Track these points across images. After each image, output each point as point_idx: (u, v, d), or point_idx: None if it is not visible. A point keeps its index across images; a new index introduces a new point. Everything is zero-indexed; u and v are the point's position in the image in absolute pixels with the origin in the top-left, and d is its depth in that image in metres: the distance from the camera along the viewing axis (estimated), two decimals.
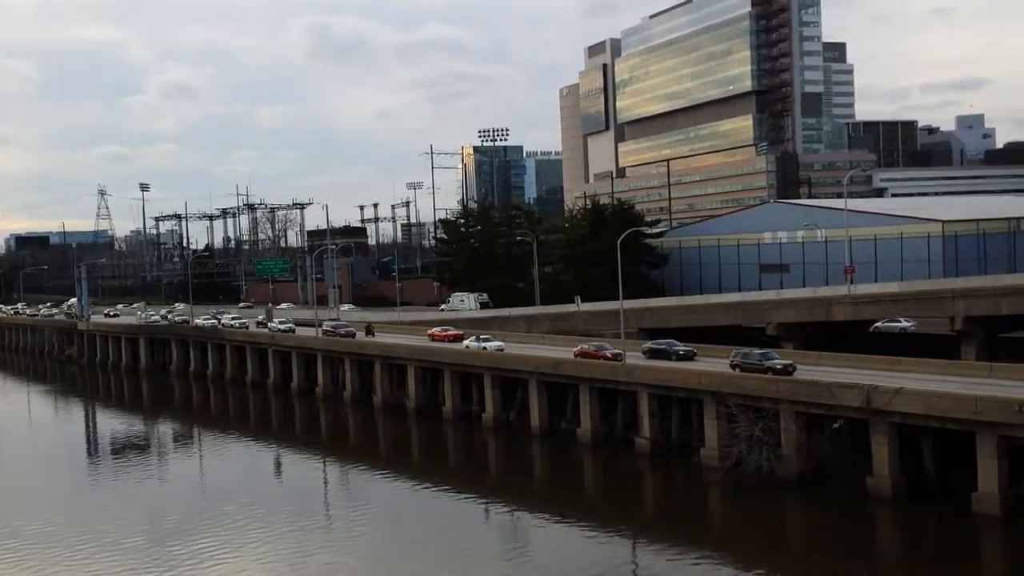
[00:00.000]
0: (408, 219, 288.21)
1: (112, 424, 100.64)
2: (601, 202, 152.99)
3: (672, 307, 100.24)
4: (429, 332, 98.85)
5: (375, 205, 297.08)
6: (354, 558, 50.39)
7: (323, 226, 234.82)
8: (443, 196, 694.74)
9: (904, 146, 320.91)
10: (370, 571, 48.93)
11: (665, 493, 63.06)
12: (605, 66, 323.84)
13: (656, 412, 67.73)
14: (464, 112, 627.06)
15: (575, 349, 76.93)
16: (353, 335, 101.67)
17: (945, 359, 68.17)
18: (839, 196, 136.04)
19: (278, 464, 77.77)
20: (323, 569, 48.13)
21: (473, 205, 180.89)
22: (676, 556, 47.90)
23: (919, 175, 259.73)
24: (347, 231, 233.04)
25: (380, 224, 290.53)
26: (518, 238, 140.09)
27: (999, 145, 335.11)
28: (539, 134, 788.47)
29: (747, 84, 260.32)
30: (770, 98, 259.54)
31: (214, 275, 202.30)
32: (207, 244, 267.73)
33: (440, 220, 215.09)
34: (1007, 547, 48.07)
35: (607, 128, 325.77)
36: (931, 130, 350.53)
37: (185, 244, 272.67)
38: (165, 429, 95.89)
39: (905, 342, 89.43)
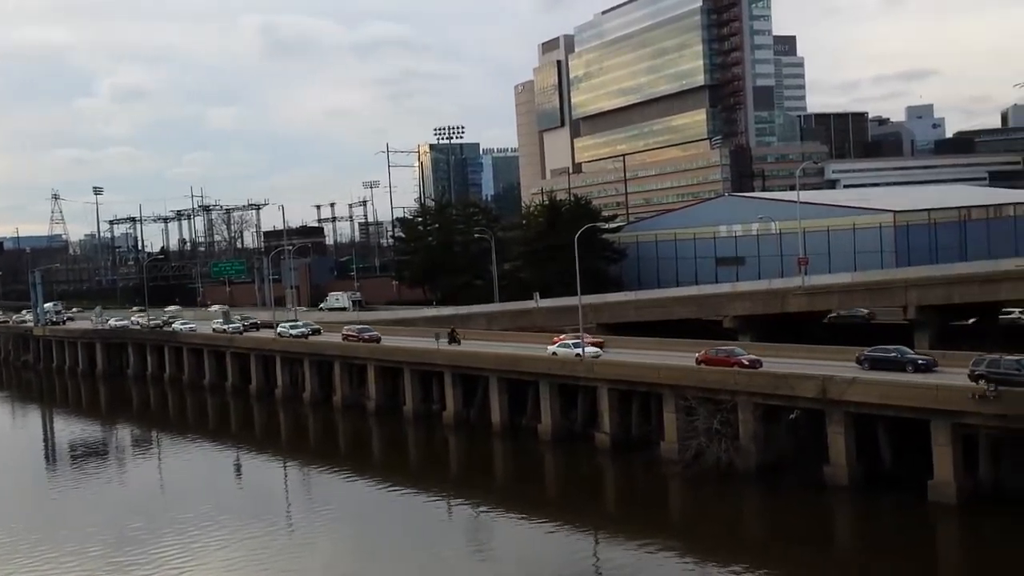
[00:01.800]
0: (366, 218, 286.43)
1: (70, 430, 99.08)
2: (558, 198, 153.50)
3: (630, 302, 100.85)
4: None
5: (332, 205, 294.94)
6: (317, 561, 50.14)
7: (279, 227, 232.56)
8: (400, 195, 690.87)
9: (855, 137, 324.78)
10: (333, 574, 48.71)
11: (626, 487, 63.47)
12: (559, 62, 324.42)
13: (616, 407, 68.15)
14: (420, 110, 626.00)
15: (698, 355, 66.91)
16: (378, 340, 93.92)
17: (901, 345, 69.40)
18: (792, 188, 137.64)
19: (238, 467, 77.11)
20: (286, 574, 47.87)
21: (430, 203, 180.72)
22: (638, 549, 48.23)
23: (870, 166, 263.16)
24: (304, 231, 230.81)
25: (337, 224, 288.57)
26: (476, 235, 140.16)
27: (948, 135, 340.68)
28: (495, 131, 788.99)
29: (700, 78, 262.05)
30: (723, 92, 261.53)
31: (170, 278, 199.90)
32: (162, 247, 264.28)
33: (398, 219, 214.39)
34: (963, 534, 48.95)
35: (563, 124, 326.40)
36: (881, 121, 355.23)
37: (140, 247, 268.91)
38: (123, 434, 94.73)
39: (860, 332, 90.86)
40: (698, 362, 65.56)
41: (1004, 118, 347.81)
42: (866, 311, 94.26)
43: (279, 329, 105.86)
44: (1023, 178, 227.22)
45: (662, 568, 45.92)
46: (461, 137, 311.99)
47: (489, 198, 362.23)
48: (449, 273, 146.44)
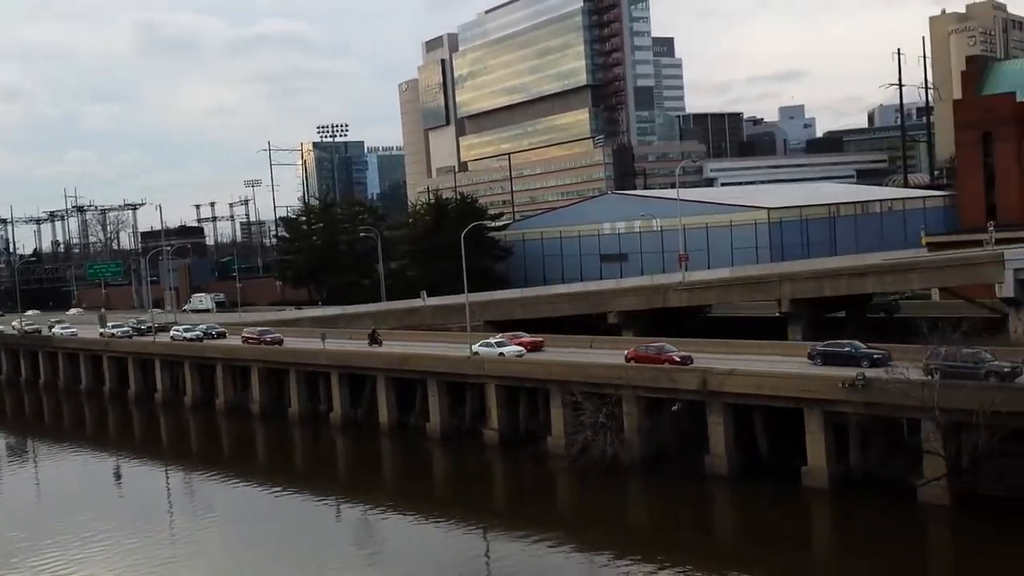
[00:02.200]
0: (248, 218, 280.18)
1: None
2: (444, 197, 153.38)
3: (517, 299, 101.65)
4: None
5: (212, 204, 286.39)
6: (202, 570, 49.09)
7: (158, 227, 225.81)
8: (283, 194, 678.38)
9: (731, 137, 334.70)
10: None
11: (514, 482, 64.11)
12: (443, 61, 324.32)
13: (504, 404, 68.74)
14: (304, 108, 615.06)
15: (628, 352, 65.08)
16: (281, 342, 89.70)
17: (774, 340, 72.13)
18: (672, 186, 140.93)
19: (118, 474, 74.80)
20: None
21: (315, 202, 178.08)
22: (527, 542, 48.82)
23: (746, 164, 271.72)
24: (183, 231, 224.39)
25: (218, 223, 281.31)
26: (362, 234, 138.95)
27: (819, 134, 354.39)
28: (381, 129, 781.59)
29: (582, 78, 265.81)
30: (604, 92, 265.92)
31: (43, 280, 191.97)
32: (35, 249, 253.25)
33: (281, 218, 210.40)
34: (835, 518, 51.27)
35: (448, 123, 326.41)
36: (755, 121, 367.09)
37: (12, 250, 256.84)
38: None
39: (738, 325, 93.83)
40: (628, 359, 63.66)
41: (871, 118, 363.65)
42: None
43: (172, 333, 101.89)
44: (888, 175, 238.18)
45: (552, 560, 46.60)
46: (345, 135, 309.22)
47: (375, 197, 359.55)
48: (334, 273, 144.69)
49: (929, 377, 48.43)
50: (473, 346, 72.71)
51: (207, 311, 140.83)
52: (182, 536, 55.52)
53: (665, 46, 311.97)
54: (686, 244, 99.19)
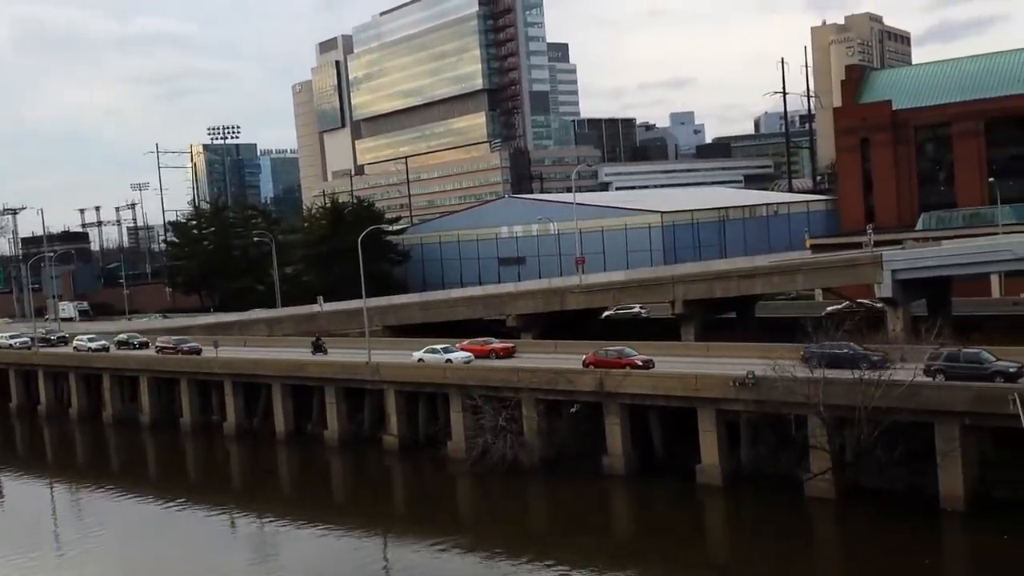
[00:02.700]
0: (135, 222, 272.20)
1: None
2: (340, 200, 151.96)
3: (415, 303, 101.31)
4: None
5: (97, 208, 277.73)
6: None
7: (40, 232, 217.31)
8: (173, 197, 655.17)
9: (625, 142, 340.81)
10: None
11: (415, 488, 63.88)
12: (338, 63, 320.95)
13: (403, 409, 68.44)
14: (194, 110, 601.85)
15: (586, 357, 63.09)
16: (198, 352, 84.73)
17: (669, 341, 73.71)
18: (569, 190, 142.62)
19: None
20: None
21: (205, 206, 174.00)
22: (428, 548, 48.69)
23: (639, 169, 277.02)
24: (67, 236, 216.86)
25: (104, 228, 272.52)
26: (255, 239, 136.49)
27: (708, 140, 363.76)
28: (274, 132, 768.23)
29: (479, 82, 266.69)
30: (500, 96, 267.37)
31: None
32: None
33: (170, 222, 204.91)
34: (728, 513, 52.71)
35: (343, 125, 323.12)
36: (648, 127, 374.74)
37: None
38: None
39: (634, 327, 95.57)
40: (585, 364, 61.64)
41: (757, 125, 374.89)
42: (640, 307, 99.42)
43: (75, 343, 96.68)
44: (774, 180, 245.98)
45: (453, 564, 46.65)
46: (237, 137, 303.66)
47: (268, 200, 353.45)
48: (227, 278, 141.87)
49: (931, 379, 48.07)
50: (416, 353, 69.91)
51: (70, 319, 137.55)
52: (69, 552, 53.52)
53: (560, 52, 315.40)
54: (583, 247, 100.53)
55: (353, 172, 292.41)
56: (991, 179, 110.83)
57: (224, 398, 79.69)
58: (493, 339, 74.06)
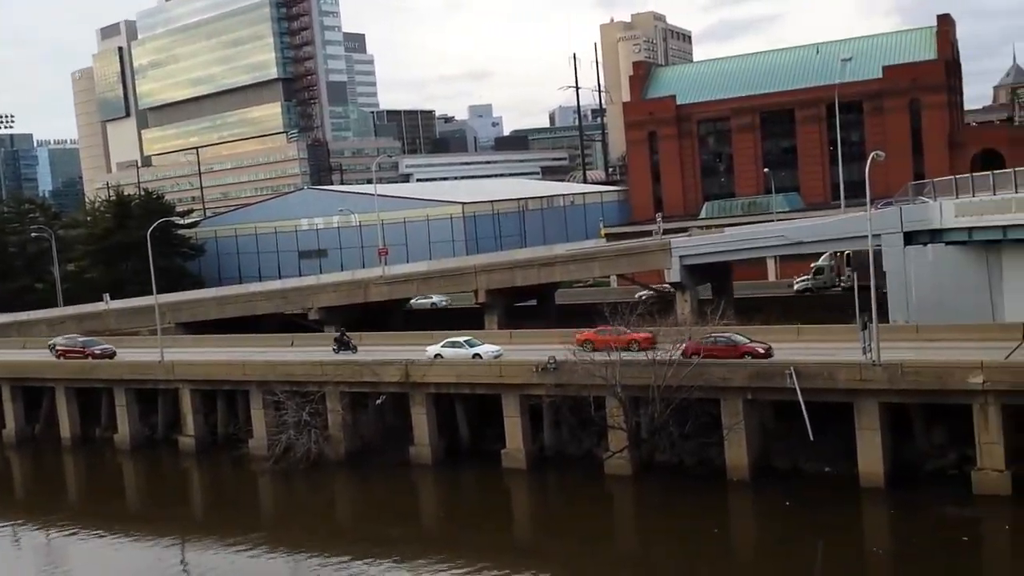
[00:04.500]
0: None
1: None
2: (127, 193, 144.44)
3: (210, 299, 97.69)
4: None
5: None
6: None
7: None
8: None
9: (425, 134, 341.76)
10: None
11: (214, 489, 61.83)
12: (121, 49, 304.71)
13: (200, 408, 66.08)
14: None
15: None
16: (113, 355, 73.12)
17: (473, 329, 74.56)
18: (369, 182, 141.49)
19: None
20: None
21: None
22: (229, 550, 47.23)
23: (439, 161, 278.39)
24: None
25: None
26: (33, 235, 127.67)
27: (506, 132, 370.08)
28: (53, 122, 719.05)
29: (273, 71, 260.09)
30: (297, 86, 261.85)
31: None
32: None
33: None
34: (531, 494, 54.04)
35: (128, 114, 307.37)
36: (447, 119, 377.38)
37: None
38: None
39: (438, 317, 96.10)
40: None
41: (552, 118, 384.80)
42: (438, 297, 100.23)
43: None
44: (569, 172, 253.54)
45: (256, 565, 45.43)
46: (12, 127, 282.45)
47: (47, 194, 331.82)
48: (3, 278, 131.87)
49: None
50: (432, 348, 59.67)
51: None
52: None
53: (357, 42, 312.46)
54: (385, 239, 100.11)
55: (140, 163, 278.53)
56: (766, 169, 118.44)
57: (2, 404, 74.30)
58: (627, 328, 55.28)
